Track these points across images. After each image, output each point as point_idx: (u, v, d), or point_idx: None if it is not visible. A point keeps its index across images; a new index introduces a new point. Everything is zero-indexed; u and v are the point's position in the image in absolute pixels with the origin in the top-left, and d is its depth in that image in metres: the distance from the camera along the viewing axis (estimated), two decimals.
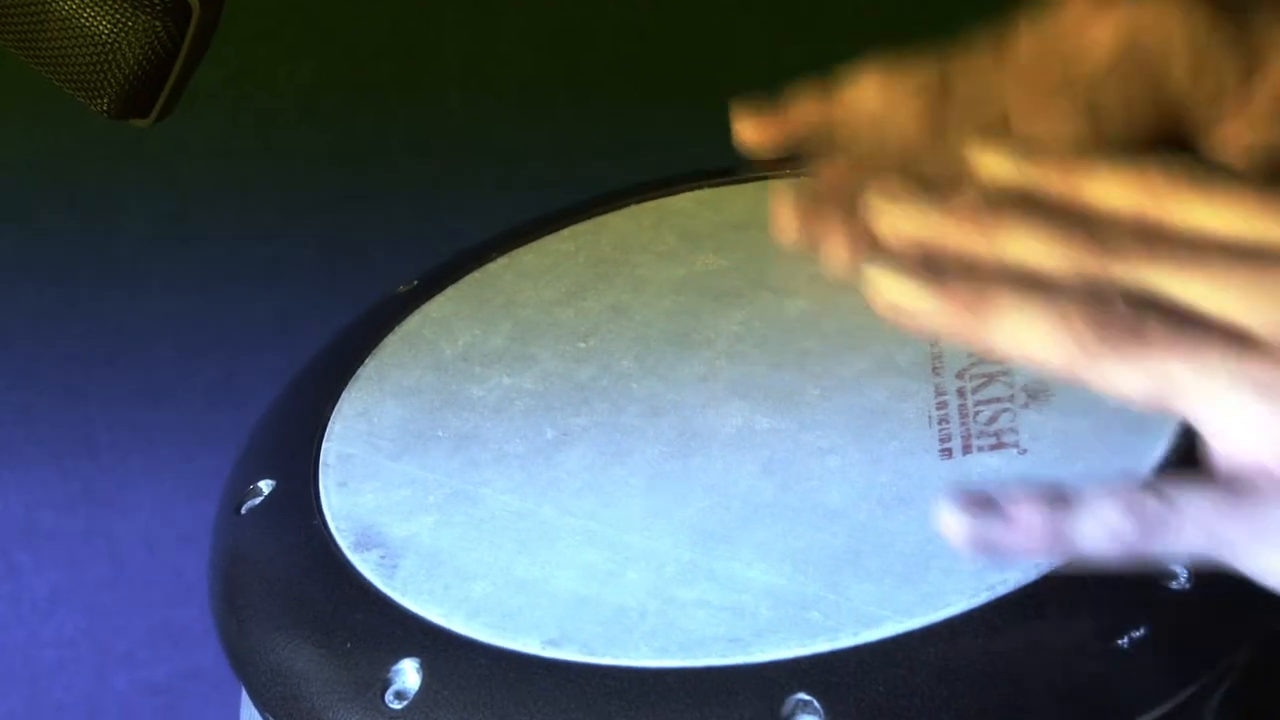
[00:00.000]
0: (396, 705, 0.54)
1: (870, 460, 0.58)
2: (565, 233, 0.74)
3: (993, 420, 0.59)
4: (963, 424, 0.59)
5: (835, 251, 0.62)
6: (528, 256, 0.73)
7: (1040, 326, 0.49)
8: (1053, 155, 0.53)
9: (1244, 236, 0.50)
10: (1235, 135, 0.65)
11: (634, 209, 0.75)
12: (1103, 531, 0.47)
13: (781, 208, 0.64)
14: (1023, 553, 0.47)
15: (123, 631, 1.62)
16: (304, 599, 0.59)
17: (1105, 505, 0.47)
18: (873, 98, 0.69)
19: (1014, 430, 0.58)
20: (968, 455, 0.58)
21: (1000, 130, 0.64)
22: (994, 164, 0.54)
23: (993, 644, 0.51)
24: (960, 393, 0.60)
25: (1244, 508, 0.47)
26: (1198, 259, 0.49)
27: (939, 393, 0.60)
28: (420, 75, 1.50)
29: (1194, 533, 0.47)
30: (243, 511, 0.63)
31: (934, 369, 0.62)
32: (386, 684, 0.55)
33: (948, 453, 0.58)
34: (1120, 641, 0.51)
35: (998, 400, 0.59)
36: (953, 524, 0.47)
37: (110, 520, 1.60)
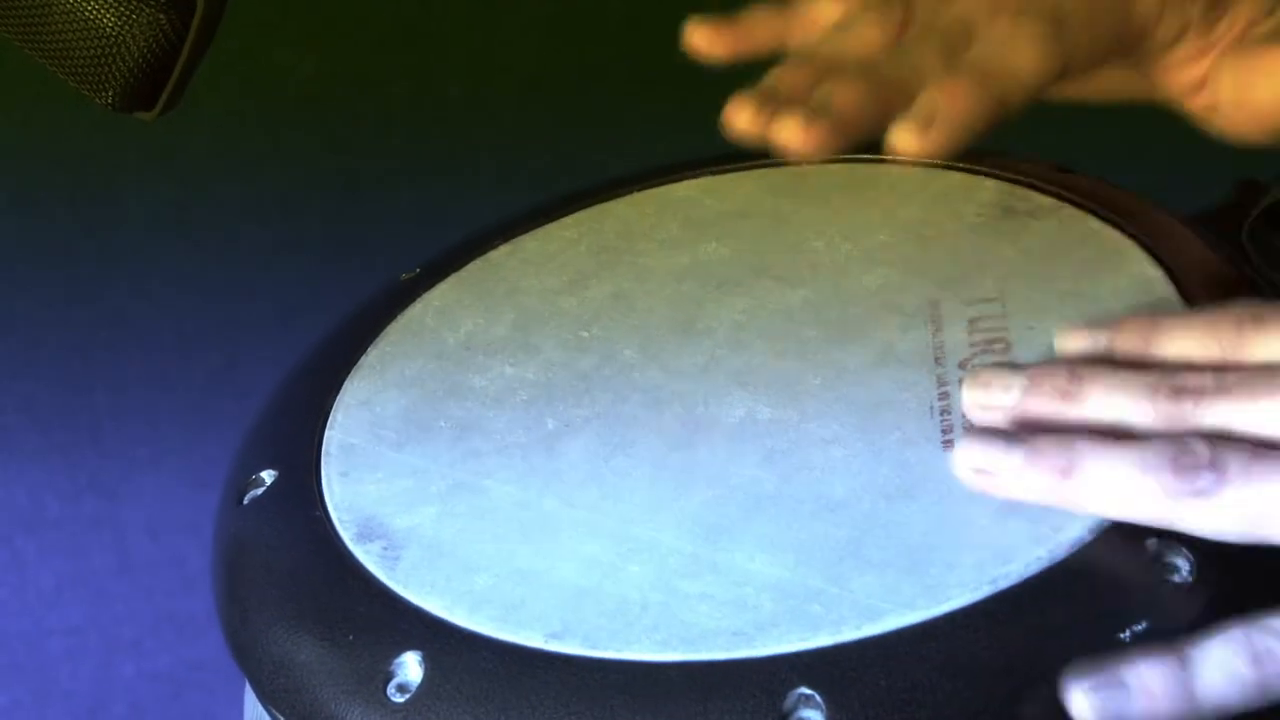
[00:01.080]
0: (399, 698, 0.54)
1: (872, 451, 0.58)
2: (568, 220, 0.74)
3: None
4: (965, 414, 0.58)
5: (789, 136, 0.61)
6: (530, 244, 0.73)
7: (1126, 480, 0.50)
8: (1130, 322, 0.55)
9: None
10: (1186, 68, 0.66)
11: (637, 196, 0.75)
12: (1225, 678, 0.47)
13: (737, 100, 0.63)
14: (1155, 717, 0.48)
15: (128, 620, 1.62)
16: (306, 591, 0.58)
17: (1219, 651, 0.48)
18: (830, 14, 0.69)
19: None
20: None
21: (961, 35, 0.63)
22: (1075, 342, 0.56)
23: (995, 638, 0.51)
24: (962, 383, 0.60)
25: None
26: (1266, 391, 0.51)
27: (941, 383, 0.60)
28: (422, 68, 1.51)
29: None
30: (245, 502, 0.63)
31: (936, 359, 0.61)
32: (389, 677, 0.54)
33: (950, 443, 0.58)
34: (1123, 635, 0.51)
35: None
36: (1083, 707, 0.48)
37: (115, 509, 1.61)
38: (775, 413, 0.61)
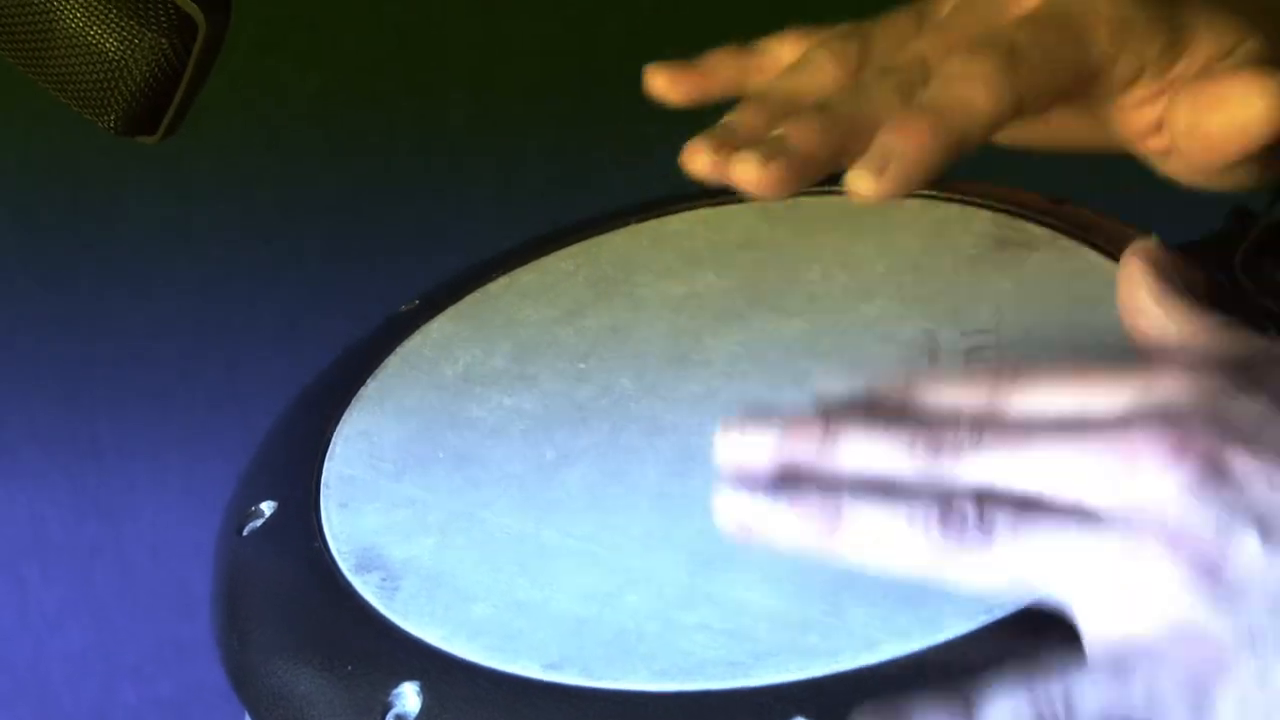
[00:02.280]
0: None
1: None
2: (565, 252, 0.74)
3: None
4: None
5: (746, 175, 0.61)
6: (527, 276, 0.73)
7: (890, 532, 0.50)
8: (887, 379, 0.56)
9: (1071, 415, 0.52)
10: (1142, 110, 0.66)
11: (634, 228, 0.75)
12: None
13: (694, 144, 0.63)
14: None
15: (130, 644, 1.62)
16: (305, 621, 0.59)
17: (1004, 707, 0.47)
18: (790, 57, 0.69)
19: None
20: None
21: (918, 72, 0.63)
22: (832, 389, 0.56)
23: (990, 668, 0.51)
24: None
25: (1131, 682, 0.47)
26: (1027, 446, 0.51)
27: None
28: (425, 85, 1.51)
29: (1093, 717, 0.47)
30: (244, 533, 0.63)
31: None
32: (387, 707, 0.55)
33: None
34: None
35: None
36: None
37: (117, 532, 1.61)
38: None
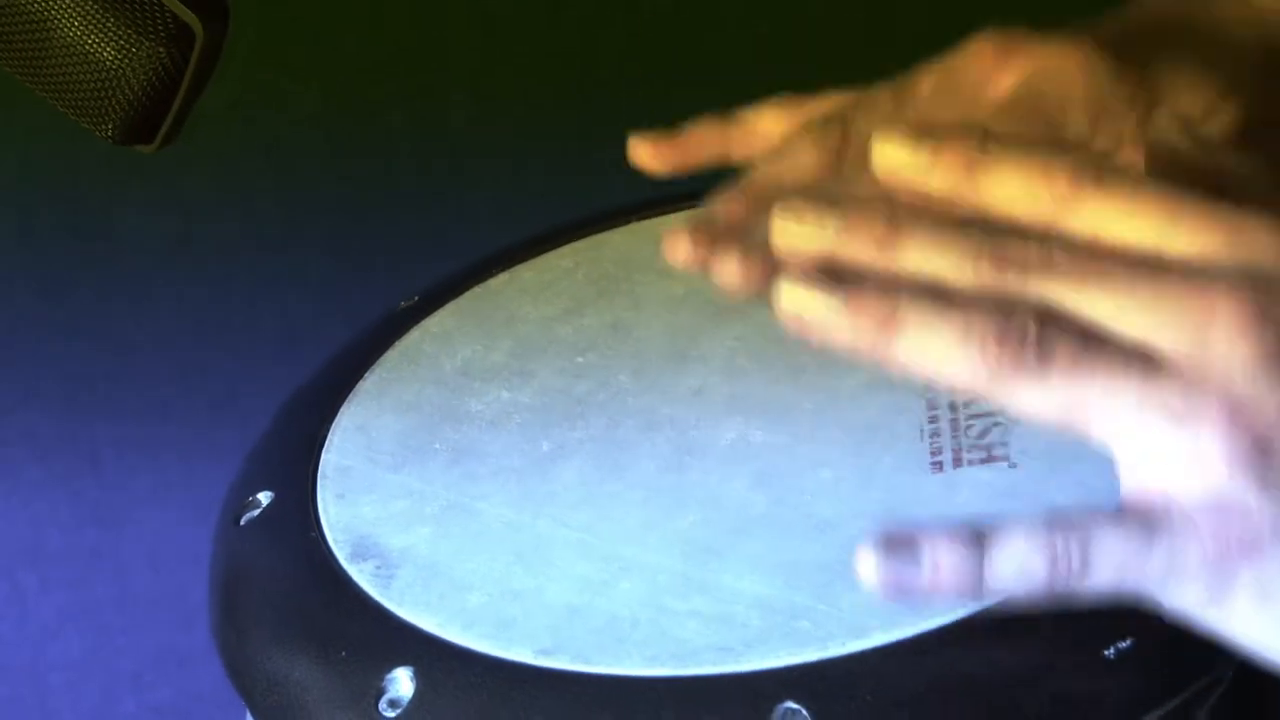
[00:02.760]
0: (390, 713, 0.54)
1: (862, 474, 0.59)
2: (565, 250, 0.75)
3: (984, 434, 0.59)
4: (954, 438, 0.59)
5: (727, 275, 0.60)
6: (528, 273, 0.74)
7: (946, 342, 0.47)
8: (953, 145, 0.51)
9: (1149, 245, 0.49)
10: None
11: (634, 226, 0.76)
12: (1016, 571, 0.46)
13: (674, 234, 0.63)
14: (937, 595, 0.46)
15: (129, 653, 1.62)
16: (300, 609, 0.59)
17: (1017, 544, 0.46)
18: (771, 129, 0.69)
19: (1005, 444, 0.59)
20: (958, 469, 0.58)
21: None
22: (893, 154, 0.52)
23: (980, 654, 0.52)
24: (952, 407, 0.61)
25: (1156, 543, 0.46)
26: (1101, 274, 0.48)
27: (931, 407, 0.61)
28: (423, 97, 1.51)
29: (1108, 570, 0.46)
30: (241, 523, 0.63)
31: (926, 384, 0.62)
32: (381, 692, 0.55)
33: (939, 466, 0.58)
34: (1107, 652, 0.51)
35: (989, 415, 0.60)
36: (868, 567, 0.46)
37: (116, 540, 1.61)
38: (767, 436, 0.61)
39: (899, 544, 0.46)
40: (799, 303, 0.49)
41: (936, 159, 0.51)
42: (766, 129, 0.70)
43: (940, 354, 0.47)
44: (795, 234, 0.51)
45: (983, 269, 0.49)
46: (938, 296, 0.48)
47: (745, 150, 0.70)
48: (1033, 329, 0.47)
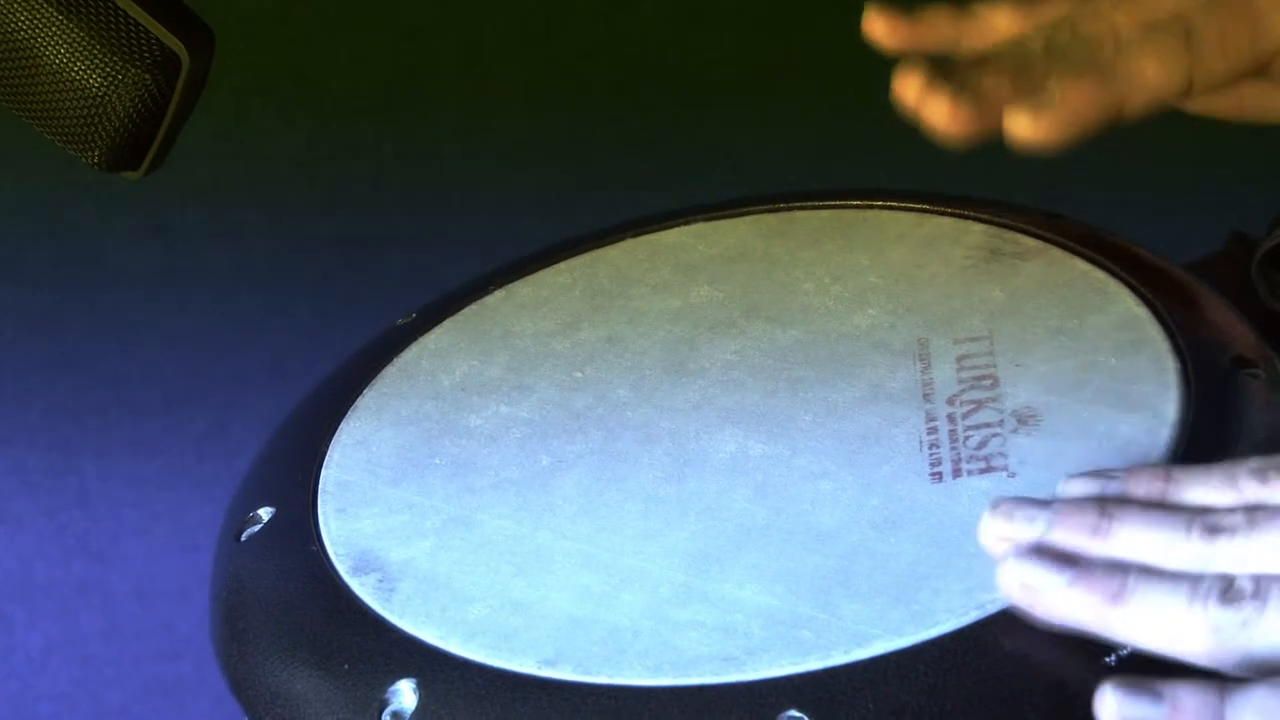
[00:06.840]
0: None
1: (861, 484, 0.59)
2: (562, 266, 0.75)
3: (982, 445, 0.59)
4: (953, 448, 0.59)
5: (937, 114, 0.63)
6: (525, 289, 0.74)
7: (1173, 609, 0.50)
8: (1142, 471, 0.55)
9: None
10: None
11: (630, 242, 0.76)
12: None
13: (907, 72, 0.65)
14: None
15: (116, 685, 1.61)
16: (302, 622, 0.59)
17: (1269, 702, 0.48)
18: (1004, 25, 0.71)
19: (1003, 455, 0.59)
20: (957, 479, 0.58)
21: (1109, 42, 0.66)
22: (1081, 488, 0.56)
23: (982, 662, 0.52)
24: (950, 418, 0.61)
25: None
26: None
27: (930, 418, 0.61)
28: (411, 131, 1.52)
29: None
30: (242, 539, 0.63)
31: (925, 395, 0.62)
32: (384, 704, 0.55)
33: (938, 476, 0.58)
34: (1108, 659, 0.51)
35: (987, 425, 0.60)
36: (1110, 707, 0.48)
37: (103, 574, 1.61)
38: (766, 448, 0.61)
39: (1138, 687, 0.49)
40: (1026, 576, 0.52)
41: (1129, 488, 0.56)
42: (1000, 25, 0.71)
43: (1166, 621, 0.50)
44: (1006, 533, 0.54)
45: (1194, 541, 0.52)
46: (1153, 571, 0.52)
47: (976, 42, 0.71)
48: (1249, 585, 0.50)
